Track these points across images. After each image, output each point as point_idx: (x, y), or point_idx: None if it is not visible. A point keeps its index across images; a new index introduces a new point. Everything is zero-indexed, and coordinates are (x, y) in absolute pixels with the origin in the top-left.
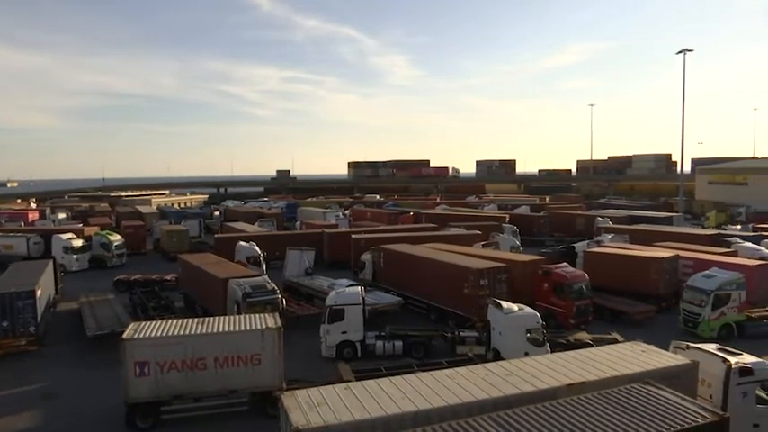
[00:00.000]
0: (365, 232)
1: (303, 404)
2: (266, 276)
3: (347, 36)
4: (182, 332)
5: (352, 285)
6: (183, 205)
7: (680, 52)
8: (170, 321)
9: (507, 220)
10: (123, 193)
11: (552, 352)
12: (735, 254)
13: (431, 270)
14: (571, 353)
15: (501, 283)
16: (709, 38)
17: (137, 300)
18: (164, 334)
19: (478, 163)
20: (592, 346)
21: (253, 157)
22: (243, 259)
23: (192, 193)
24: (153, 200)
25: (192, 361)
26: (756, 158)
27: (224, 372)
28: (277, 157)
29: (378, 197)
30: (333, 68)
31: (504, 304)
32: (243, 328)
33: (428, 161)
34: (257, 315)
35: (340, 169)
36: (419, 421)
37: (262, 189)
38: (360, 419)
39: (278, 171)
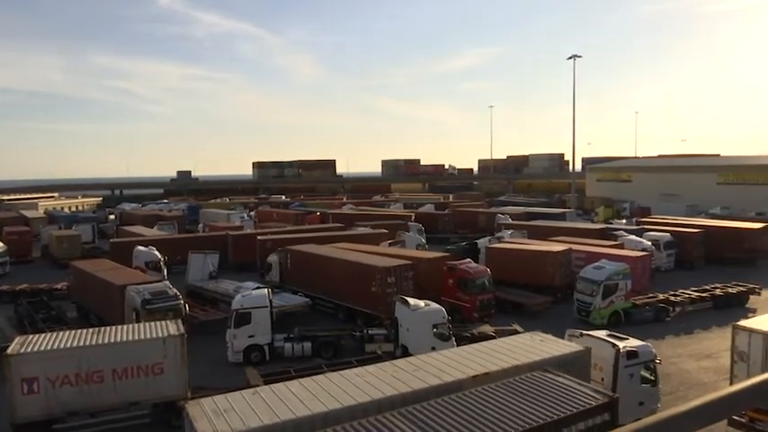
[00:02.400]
0: (271, 233)
1: (209, 412)
2: (167, 282)
3: (250, 33)
4: (74, 344)
5: (258, 288)
6: (74, 209)
7: (570, 58)
8: (61, 333)
9: (413, 218)
10: (5, 197)
11: (458, 345)
12: (621, 246)
13: (338, 270)
14: (475, 345)
15: (407, 280)
16: (598, 46)
17: (23, 311)
18: (54, 347)
19: (384, 162)
20: (494, 338)
21: (151, 157)
22: (141, 265)
23: (83, 196)
24: (40, 203)
25: (88, 374)
26: (638, 158)
27: (123, 384)
28: (177, 158)
29: (284, 197)
30: (235, 66)
31: (411, 301)
32: (142, 336)
33: (334, 161)
34: (158, 323)
35: (244, 170)
36: (329, 422)
37: (161, 191)
38: (269, 424)
39: (178, 172)
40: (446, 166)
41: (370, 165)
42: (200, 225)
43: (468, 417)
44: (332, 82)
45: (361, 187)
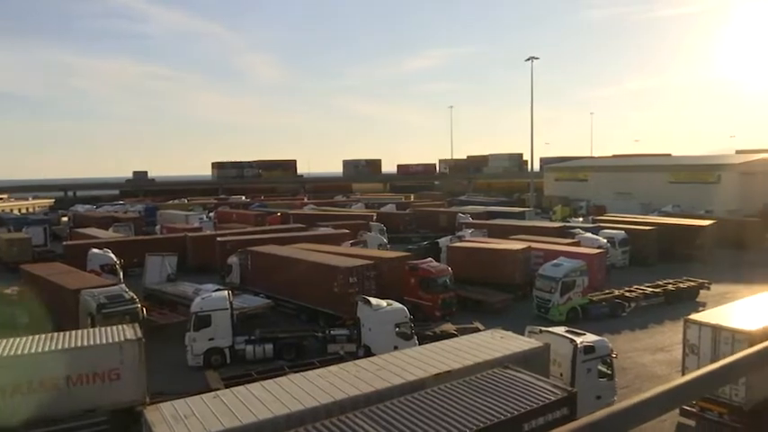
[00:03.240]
0: (231, 234)
1: (168, 417)
2: (123, 285)
3: (210, 32)
4: (25, 351)
5: (218, 290)
6: (23, 210)
7: (528, 60)
8: (11, 340)
9: (374, 218)
10: None
11: (420, 344)
12: (578, 244)
13: (300, 270)
14: (437, 344)
15: (370, 280)
16: (556, 48)
17: None
18: (5, 354)
19: (345, 162)
20: (456, 336)
21: (106, 157)
22: (96, 268)
23: (34, 198)
24: None
25: (40, 382)
26: (594, 157)
27: (78, 391)
28: (133, 159)
29: (244, 198)
30: (195, 65)
31: (374, 301)
32: (98, 341)
33: (295, 161)
34: (114, 327)
35: (203, 170)
36: (292, 423)
37: (116, 192)
38: (230, 428)
39: (134, 172)
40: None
41: (331, 165)
42: (158, 227)
43: (431, 414)
44: (293, 81)
45: (323, 187)
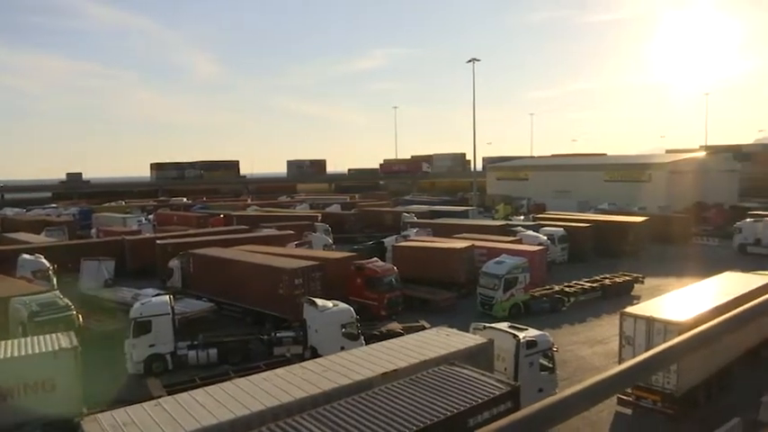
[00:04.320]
0: (172, 237)
1: (107, 428)
2: (57, 292)
3: (146, 28)
4: None
5: (158, 294)
6: None
7: (470, 61)
8: None
9: (319, 218)
10: None
11: (367, 344)
12: (520, 241)
13: (244, 273)
14: (384, 343)
15: (315, 281)
16: (499, 50)
17: None
18: None
19: (289, 163)
20: (403, 335)
21: (37, 159)
22: (27, 274)
23: None
24: None
25: None
26: (534, 157)
27: (9, 404)
28: (67, 160)
29: (185, 200)
30: (131, 62)
31: (319, 302)
32: (30, 351)
33: (237, 161)
34: (48, 336)
35: (142, 171)
36: (237, 428)
37: (49, 194)
38: None
39: (68, 174)
40: (424, 166)
41: (275, 165)
42: (94, 230)
43: (379, 414)
44: (235, 80)
45: (267, 188)
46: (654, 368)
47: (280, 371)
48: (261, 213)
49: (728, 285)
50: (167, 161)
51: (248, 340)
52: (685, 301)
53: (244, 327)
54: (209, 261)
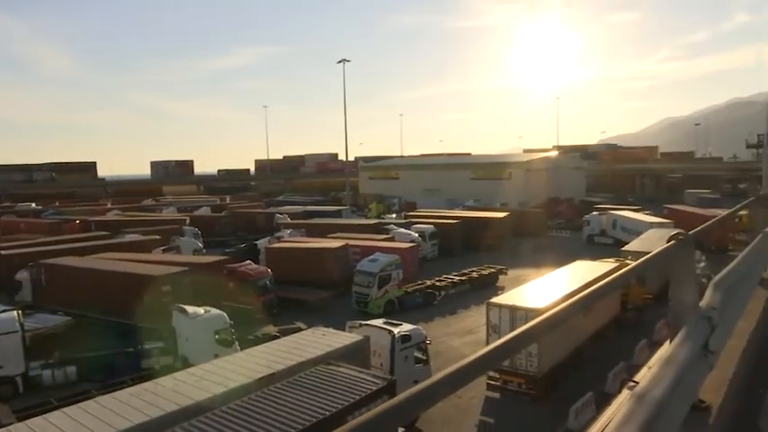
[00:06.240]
0: (19, 246)
1: None
2: None
3: None
4: None
5: (4, 311)
6: None
7: (340, 62)
8: None
9: (188, 222)
10: None
11: (242, 350)
12: (392, 239)
13: (106, 282)
14: (260, 347)
15: (185, 287)
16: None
17: None
18: None
19: (153, 164)
20: (279, 337)
21: None
22: None
23: None
24: None
25: None
26: (404, 156)
27: None
28: None
29: (34, 205)
30: None
31: (190, 309)
32: None
33: (95, 163)
34: None
35: None
36: None
37: None
38: None
39: None
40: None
41: (137, 167)
42: None
43: (257, 419)
44: (92, 76)
45: (129, 191)
46: (512, 351)
47: (147, 384)
48: (123, 218)
49: (579, 273)
50: (12, 163)
51: (111, 354)
52: (543, 289)
53: (108, 340)
54: (65, 271)
